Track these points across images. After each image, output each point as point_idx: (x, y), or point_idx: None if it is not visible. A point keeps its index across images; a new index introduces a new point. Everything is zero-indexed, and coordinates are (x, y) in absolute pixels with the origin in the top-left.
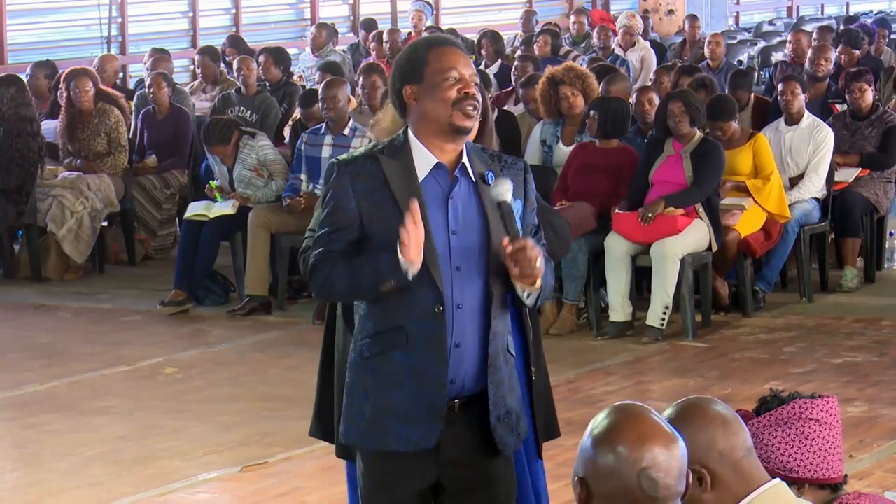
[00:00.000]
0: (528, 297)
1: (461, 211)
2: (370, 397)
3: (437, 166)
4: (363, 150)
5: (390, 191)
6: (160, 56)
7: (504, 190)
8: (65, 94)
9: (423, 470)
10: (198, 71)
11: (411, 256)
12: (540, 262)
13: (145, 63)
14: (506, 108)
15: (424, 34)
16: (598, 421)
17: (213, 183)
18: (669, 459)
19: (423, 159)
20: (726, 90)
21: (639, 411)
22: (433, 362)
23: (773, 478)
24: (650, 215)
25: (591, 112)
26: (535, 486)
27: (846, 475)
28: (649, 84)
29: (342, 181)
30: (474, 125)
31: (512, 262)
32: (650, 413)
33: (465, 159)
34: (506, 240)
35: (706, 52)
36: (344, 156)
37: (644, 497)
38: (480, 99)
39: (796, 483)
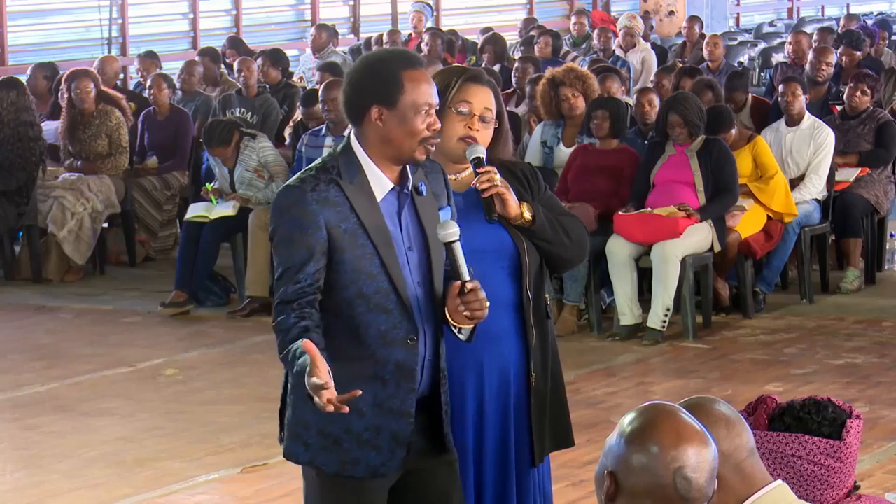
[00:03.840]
0: (460, 332)
1: (410, 226)
2: (322, 421)
3: (391, 188)
4: (316, 173)
5: (358, 218)
6: (151, 61)
7: (452, 232)
8: (66, 95)
9: (381, 487)
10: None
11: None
12: (487, 304)
13: (138, 69)
14: (507, 108)
15: (426, 36)
16: (632, 418)
17: (210, 185)
18: (704, 460)
19: (379, 182)
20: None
21: (673, 410)
22: (402, 393)
23: (775, 479)
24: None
25: (598, 112)
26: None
27: (858, 485)
28: (650, 85)
29: (311, 209)
30: None
31: (462, 303)
32: (685, 413)
33: (409, 175)
34: (457, 284)
35: (704, 53)
36: (298, 180)
37: (675, 497)
38: (495, 102)
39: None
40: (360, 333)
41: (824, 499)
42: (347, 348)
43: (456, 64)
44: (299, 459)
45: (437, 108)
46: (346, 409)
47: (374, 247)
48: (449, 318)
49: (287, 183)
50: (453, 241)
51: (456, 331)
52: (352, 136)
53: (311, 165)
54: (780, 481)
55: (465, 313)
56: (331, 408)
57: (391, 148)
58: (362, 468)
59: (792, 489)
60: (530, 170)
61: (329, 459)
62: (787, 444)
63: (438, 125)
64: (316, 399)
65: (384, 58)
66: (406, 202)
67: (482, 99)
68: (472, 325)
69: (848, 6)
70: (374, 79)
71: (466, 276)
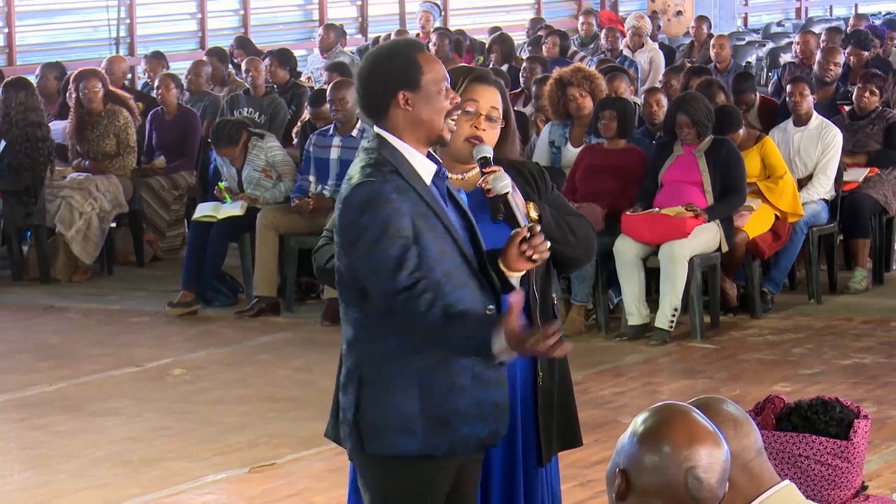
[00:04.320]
0: (514, 280)
1: (453, 210)
2: (426, 405)
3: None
4: (375, 168)
5: (425, 201)
6: (158, 61)
7: (506, 183)
8: (74, 95)
9: (451, 469)
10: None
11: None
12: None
13: (145, 70)
14: (515, 108)
15: (433, 36)
16: (645, 417)
17: (222, 184)
18: (716, 461)
19: (424, 166)
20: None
21: (687, 410)
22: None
23: (783, 479)
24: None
25: (606, 112)
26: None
27: (865, 485)
28: (658, 86)
29: (392, 199)
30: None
31: (530, 247)
32: (698, 413)
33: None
34: (520, 231)
35: (711, 54)
36: (365, 177)
37: (687, 496)
38: (502, 102)
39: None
40: (454, 308)
41: (832, 499)
42: None
43: (462, 64)
44: (406, 450)
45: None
46: (569, 348)
47: (444, 226)
48: (504, 267)
49: (355, 182)
50: (507, 193)
51: (513, 280)
52: (380, 131)
53: (358, 165)
54: (787, 481)
55: (533, 256)
56: (560, 351)
57: (422, 129)
58: (473, 443)
59: (799, 489)
60: (538, 169)
61: (440, 442)
62: (795, 444)
63: (457, 98)
64: (535, 349)
65: (394, 46)
66: (444, 183)
67: (489, 98)
68: (522, 272)
69: (856, 6)
70: (393, 66)
71: (524, 222)
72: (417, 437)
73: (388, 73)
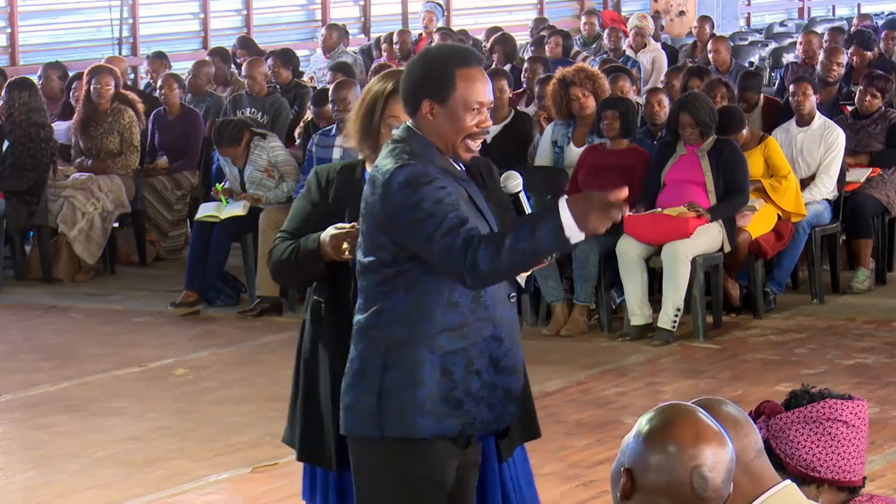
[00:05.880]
0: (521, 279)
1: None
2: (444, 388)
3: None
4: (411, 155)
5: (462, 187)
6: (160, 62)
7: (518, 183)
8: (84, 89)
9: (454, 454)
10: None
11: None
12: None
13: (147, 70)
14: (517, 108)
15: (436, 36)
16: (650, 416)
17: (220, 185)
18: (721, 460)
19: (450, 163)
20: (735, 92)
21: (692, 410)
22: (514, 350)
23: (793, 474)
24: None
25: (608, 112)
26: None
27: (865, 478)
28: (660, 86)
29: (437, 176)
30: None
31: None
32: (703, 413)
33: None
34: None
35: (710, 58)
36: (404, 161)
37: (692, 496)
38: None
39: (816, 482)
40: (481, 295)
41: (854, 465)
42: (471, 313)
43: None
44: (426, 432)
45: (492, 104)
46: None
47: (483, 215)
48: None
49: (393, 166)
50: (519, 192)
51: (519, 279)
52: (412, 125)
53: (390, 154)
54: (788, 481)
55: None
56: (616, 213)
57: (440, 140)
58: (478, 425)
59: (824, 454)
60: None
61: (452, 423)
62: (817, 410)
63: (489, 123)
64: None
65: (440, 54)
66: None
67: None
68: (529, 273)
69: (859, 6)
70: (428, 74)
71: None
72: (437, 418)
73: (423, 78)
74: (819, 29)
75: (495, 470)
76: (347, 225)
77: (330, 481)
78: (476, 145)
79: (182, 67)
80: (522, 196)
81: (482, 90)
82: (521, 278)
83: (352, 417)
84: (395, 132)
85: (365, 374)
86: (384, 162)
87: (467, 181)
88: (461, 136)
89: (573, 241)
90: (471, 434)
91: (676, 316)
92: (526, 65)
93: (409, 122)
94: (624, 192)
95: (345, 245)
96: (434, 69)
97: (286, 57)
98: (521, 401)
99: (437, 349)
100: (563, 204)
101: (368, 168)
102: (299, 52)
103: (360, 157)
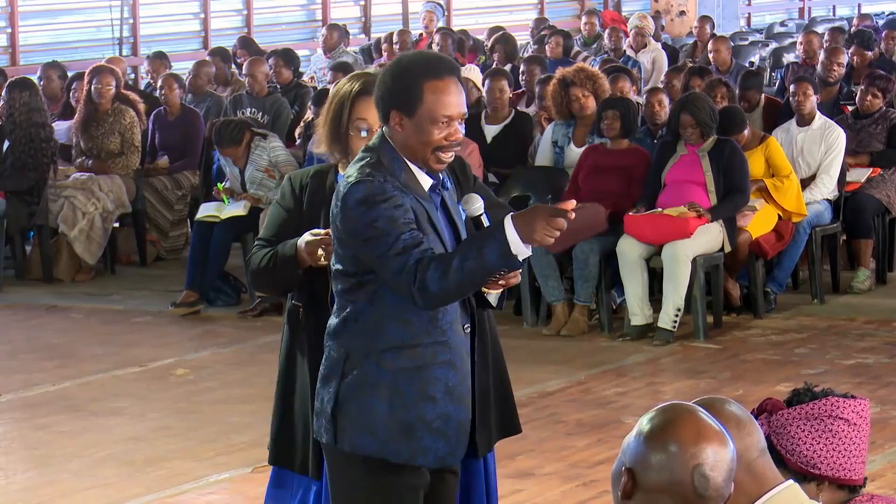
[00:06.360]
0: (488, 296)
1: (444, 221)
2: (395, 409)
3: (430, 184)
4: (374, 168)
5: (423, 207)
6: (160, 62)
7: (479, 206)
8: (85, 90)
9: (423, 480)
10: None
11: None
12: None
13: (147, 70)
14: (517, 108)
15: (436, 36)
16: (652, 416)
17: (221, 185)
18: (722, 460)
19: (421, 178)
20: (737, 92)
21: (693, 409)
22: (466, 381)
23: (793, 471)
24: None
25: (609, 112)
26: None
27: (866, 478)
28: (660, 86)
29: (395, 194)
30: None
31: (501, 276)
32: (704, 413)
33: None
34: None
35: (710, 58)
36: (364, 175)
37: (693, 495)
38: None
39: (817, 480)
40: (438, 318)
41: (851, 465)
42: (426, 334)
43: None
44: (366, 450)
45: (465, 116)
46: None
47: (438, 235)
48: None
49: (353, 180)
50: (481, 215)
51: (490, 298)
52: (385, 134)
53: (357, 164)
54: (791, 481)
55: (500, 282)
56: (562, 223)
57: (409, 152)
58: (431, 457)
59: (826, 451)
60: (459, 164)
61: (400, 449)
62: (819, 407)
63: (459, 136)
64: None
65: (410, 65)
66: (440, 198)
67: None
68: (500, 291)
69: (859, 6)
70: (396, 85)
71: None
72: (379, 439)
73: (393, 88)
74: (819, 29)
75: (480, 468)
76: (322, 231)
77: (307, 485)
78: (448, 157)
79: (182, 67)
80: (484, 218)
81: (451, 103)
82: (493, 297)
83: (318, 422)
84: (372, 140)
85: (329, 381)
86: (349, 171)
87: (428, 200)
88: (429, 150)
89: (521, 257)
90: (420, 466)
91: (677, 316)
92: (523, 65)
93: (384, 129)
94: (571, 204)
95: (320, 251)
96: (402, 80)
97: (288, 57)
98: (498, 402)
99: (385, 365)
100: (508, 221)
101: (341, 171)
102: (300, 52)
103: (332, 161)
